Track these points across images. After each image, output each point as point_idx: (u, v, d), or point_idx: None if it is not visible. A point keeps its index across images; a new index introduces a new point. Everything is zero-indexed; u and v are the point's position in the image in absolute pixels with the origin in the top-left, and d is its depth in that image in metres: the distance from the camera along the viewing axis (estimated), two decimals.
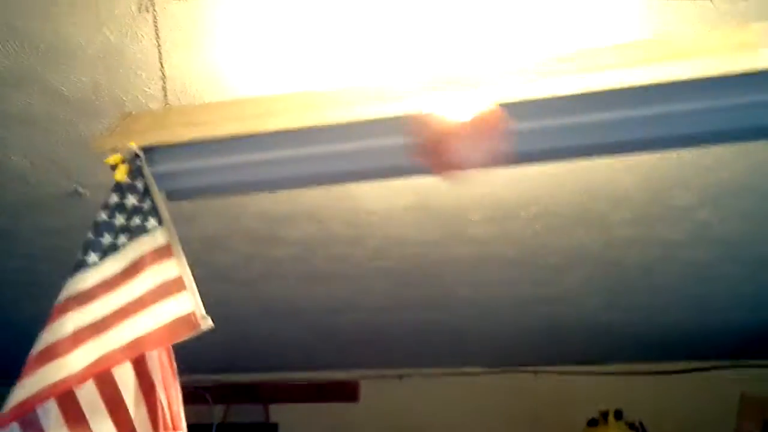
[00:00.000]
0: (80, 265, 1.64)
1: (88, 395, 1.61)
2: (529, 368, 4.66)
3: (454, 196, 2.53)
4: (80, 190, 2.55)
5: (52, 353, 1.55)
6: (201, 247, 3.00)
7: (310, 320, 3.99)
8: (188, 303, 1.60)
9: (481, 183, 2.46)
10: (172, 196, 1.68)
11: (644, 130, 1.56)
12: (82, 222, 2.73)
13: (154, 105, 2.02)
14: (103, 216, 1.65)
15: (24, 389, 1.55)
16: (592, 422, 4.07)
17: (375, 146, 1.53)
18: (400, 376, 4.90)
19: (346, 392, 5.04)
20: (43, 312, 1.69)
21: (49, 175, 2.48)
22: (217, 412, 5.11)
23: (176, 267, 1.63)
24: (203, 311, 1.59)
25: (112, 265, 1.63)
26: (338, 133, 1.52)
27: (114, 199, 1.66)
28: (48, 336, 1.58)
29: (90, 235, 1.65)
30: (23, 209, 2.70)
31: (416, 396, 4.86)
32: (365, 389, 5.02)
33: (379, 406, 4.92)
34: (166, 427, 1.67)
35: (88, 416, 1.61)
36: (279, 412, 5.12)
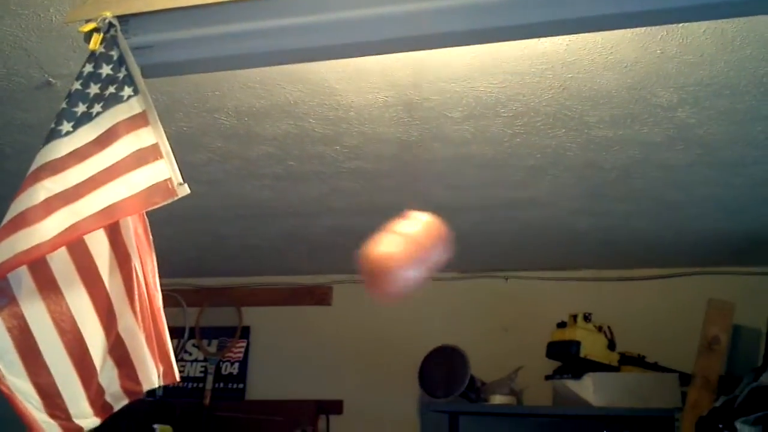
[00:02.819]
0: (53, 135, 1.60)
1: (61, 264, 1.59)
2: (501, 273, 4.71)
3: (434, 91, 2.50)
4: (52, 81, 2.48)
5: (22, 221, 1.52)
6: (174, 145, 2.94)
7: (283, 223, 3.98)
8: (164, 170, 1.58)
9: (462, 79, 2.42)
10: (147, 72, 1.63)
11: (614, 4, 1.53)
12: (53, 116, 2.68)
13: None
14: (77, 85, 1.61)
15: None
16: (561, 324, 4.13)
17: (364, 15, 1.48)
18: None
19: (319, 296, 5.07)
20: None
21: (19, 65, 2.40)
22: (190, 315, 5.14)
23: (152, 134, 1.60)
24: (180, 178, 1.57)
25: (86, 134, 1.60)
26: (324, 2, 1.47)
27: (88, 68, 1.62)
28: (18, 205, 1.55)
29: (63, 104, 1.60)
30: None
31: None
32: (337, 293, 5.06)
33: (352, 310, 4.96)
34: (141, 297, 1.67)
35: (61, 284, 1.60)
36: (252, 315, 5.16)
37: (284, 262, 4.84)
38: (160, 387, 5.04)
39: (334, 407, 4.88)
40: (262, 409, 4.92)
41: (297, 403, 4.89)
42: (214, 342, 5.19)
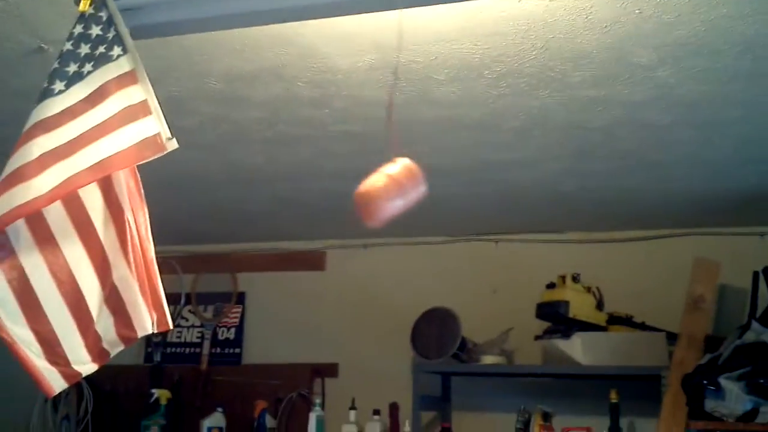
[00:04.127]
0: (45, 94, 1.67)
1: (57, 217, 1.67)
2: (490, 236, 4.78)
3: (420, 53, 2.54)
4: (44, 46, 2.52)
5: (18, 177, 1.60)
6: (165, 109, 2.99)
7: (276, 188, 4.04)
8: (153, 126, 1.65)
9: (444, 40, 2.47)
10: (136, 33, 1.69)
11: None
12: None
13: None
14: (68, 46, 1.68)
15: None
16: (550, 285, 4.20)
17: None
18: (365, 246, 5.01)
19: (313, 261, 5.15)
20: None
21: (11, 30, 2.43)
22: (186, 282, 5.21)
23: (141, 92, 1.66)
24: (169, 133, 1.64)
25: (78, 93, 1.67)
26: None
27: (78, 29, 1.68)
28: (14, 162, 1.62)
29: (55, 64, 1.67)
30: None
31: (380, 265, 4.98)
32: (331, 258, 5.13)
33: (345, 274, 5.05)
34: (134, 248, 1.74)
35: (57, 237, 1.67)
36: (247, 281, 5.24)
37: (278, 227, 4.91)
38: (158, 353, 5.12)
39: (330, 370, 4.98)
40: (259, 373, 5.02)
41: (293, 367, 4.99)
42: (210, 308, 5.28)
